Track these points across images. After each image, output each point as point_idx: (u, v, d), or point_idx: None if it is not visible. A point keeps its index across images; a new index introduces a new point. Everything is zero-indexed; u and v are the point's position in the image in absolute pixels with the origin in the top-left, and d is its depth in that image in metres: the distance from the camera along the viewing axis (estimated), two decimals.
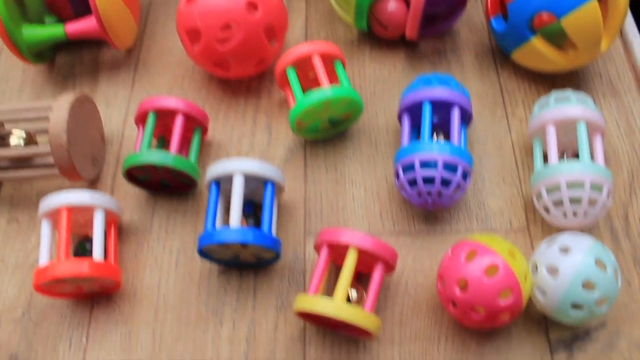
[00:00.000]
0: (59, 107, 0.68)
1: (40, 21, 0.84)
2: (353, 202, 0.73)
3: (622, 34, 0.87)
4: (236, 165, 0.64)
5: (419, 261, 0.69)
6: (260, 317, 0.66)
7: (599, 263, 0.59)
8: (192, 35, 0.75)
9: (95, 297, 0.68)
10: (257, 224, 0.67)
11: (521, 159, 0.76)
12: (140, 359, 0.65)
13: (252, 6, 0.73)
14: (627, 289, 0.67)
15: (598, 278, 0.58)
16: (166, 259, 0.70)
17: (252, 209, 0.71)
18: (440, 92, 0.69)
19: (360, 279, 0.67)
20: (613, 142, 0.77)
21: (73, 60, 0.87)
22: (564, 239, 0.62)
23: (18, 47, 0.78)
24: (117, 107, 0.82)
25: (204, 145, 0.78)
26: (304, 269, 0.69)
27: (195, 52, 0.75)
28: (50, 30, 0.80)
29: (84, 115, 0.72)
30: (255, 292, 0.67)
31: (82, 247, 0.68)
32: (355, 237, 0.59)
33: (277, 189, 0.67)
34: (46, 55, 0.86)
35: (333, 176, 0.75)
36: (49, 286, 0.63)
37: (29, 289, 0.69)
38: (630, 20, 0.88)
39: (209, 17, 0.72)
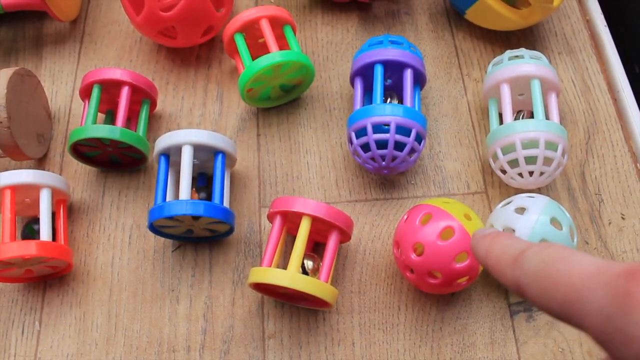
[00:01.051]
0: None
1: None
2: (308, 170, 0.71)
3: None
4: (184, 135, 0.62)
5: (376, 228, 0.68)
6: (217, 293, 0.65)
7: (555, 222, 0.59)
8: (135, 3, 0.72)
9: (46, 279, 0.66)
10: (209, 196, 0.66)
11: (478, 120, 0.75)
12: (96, 340, 0.63)
13: None
14: (585, 247, 0.67)
15: (554, 237, 0.57)
16: (119, 237, 0.68)
17: (205, 182, 0.69)
18: (391, 53, 0.67)
19: (317, 249, 0.66)
20: (569, 101, 0.76)
21: (15, 34, 0.84)
22: (520, 199, 0.61)
23: None
24: (63, 82, 0.79)
25: (153, 118, 0.75)
26: (260, 241, 0.67)
27: (140, 21, 0.72)
28: None
29: (26, 90, 0.69)
30: (211, 267, 0.66)
31: (29, 229, 0.66)
32: (308, 205, 0.58)
33: (229, 159, 0.65)
34: None
35: (287, 145, 0.73)
36: None
37: None
38: None
39: None
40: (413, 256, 0.58)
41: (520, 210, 0.60)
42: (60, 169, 0.73)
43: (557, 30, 0.82)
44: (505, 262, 0.31)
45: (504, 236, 0.34)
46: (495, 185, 0.70)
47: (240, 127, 0.74)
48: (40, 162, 0.73)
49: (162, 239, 0.67)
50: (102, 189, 0.71)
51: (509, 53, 0.70)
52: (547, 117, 0.67)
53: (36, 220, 0.66)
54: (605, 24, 0.83)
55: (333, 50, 0.80)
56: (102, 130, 0.64)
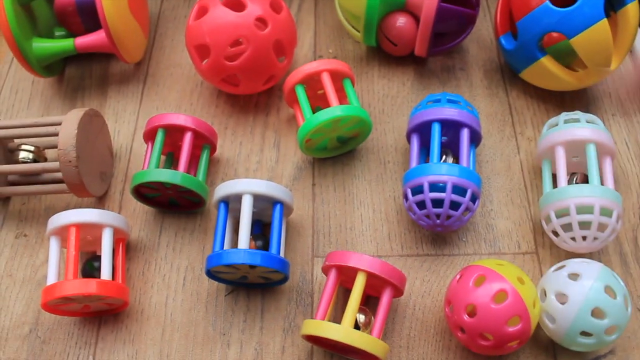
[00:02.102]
0: (68, 123, 0.68)
1: (50, 34, 0.84)
2: (361, 222, 0.72)
3: (631, 52, 0.87)
4: (245, 185, 0.64)
5: (426, 284, 0.68)
6: (267, 339, 0.66)
7: (609, 290, 0.59)
8: (200, 51, 0.75)
9: (102, 315, 0.68)
10: (266, 244, 0.67)
11: (530, 179, 0.75)
12: None
13: (262, 22, 0.73)
14: (637, 316, 0.66)
15: (607, 305, 0.57)
16: (174, 278, 0.70)
17: (261, 229, 0.71)
18: (449, 112, 0.68)
19: (368, 302, 0.67)
20: (622, 164, 0.76)
21: (82, 73, 0.87)
22: (573, 264, 0.62)
23: (28, 60, 0.78)
24: (126, 122, 0.82)
25: (211, 162, 0.77)
26: (311, 290, 0.68)
27: (204, 68, 0.75)
28: (60, 44, 0.80)
29: (93, 130, 0.72)
30: (263, 313, 0.67)
31: (90, 265, 0.68)
32: (364, 261, 0.59)
33: (286, 209, 0.67)
34: (56, 68, 0.86)
35: (341, 195, 0.74)
36: (57, 304, 0.63)
37: (37, 305, 0.69)
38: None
39: (218, 33, 0.71)
40: (465, 317, 0.58)
41: (574, 276, 0.60)
42: (119, 207, 0.75)
43: (612, 91, 0.83)
44: None
45: None
46: (546, 246, 0.71)
47: (296, 176, 0.76)
48: (101, 200, 0.76)
49: (216, 282, 0.69)
50: (159, 229, 0.73)
51: (564, 115, 0.71)
52: (602, 182, 0.68)
53: (96, 257, 0.68)
54: None
55: (389, 103, 0.81)
56: (165, 175, 0.67)
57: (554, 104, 0.81)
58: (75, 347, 0.67)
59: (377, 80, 0.84)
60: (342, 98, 0.75)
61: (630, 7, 0.72)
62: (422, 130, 0.71)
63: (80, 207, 0.73)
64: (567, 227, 0.65)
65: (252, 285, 0.68)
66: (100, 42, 0.79)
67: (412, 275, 0.69)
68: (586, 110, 0.80)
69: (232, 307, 0.68)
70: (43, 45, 0.79)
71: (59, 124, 0.70)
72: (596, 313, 0.58)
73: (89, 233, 0.67)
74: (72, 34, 0.83)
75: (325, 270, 0.62)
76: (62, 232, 0.65)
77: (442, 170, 0.65)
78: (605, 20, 0.69)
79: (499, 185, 0.75)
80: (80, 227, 0.64)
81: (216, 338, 0.66)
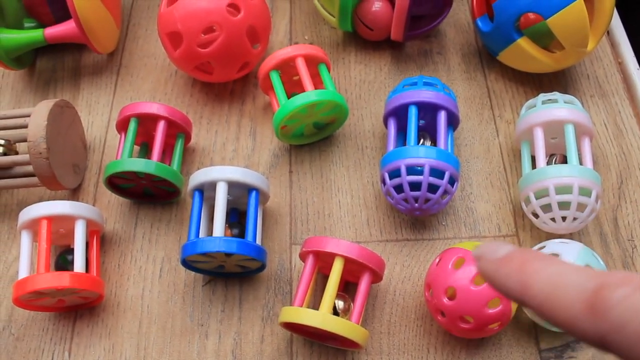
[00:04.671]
0: (37, 114, 0.66)
1: (19, 25, 0.82)
2: (340, 209, 0.72)
3: (609, 33, 0.87)
4: (219, 172, 0.62)
5: (406, 269, 0.68)
6: (246, 329, 0.65)
7: None
8: (173, 38, 0.73)
9: (77, 309, 0.67)
10: (242, 232, 0.66)
11: (509, 162, 0.75)
12: None
13: (234, 8, 0.72)
14: None
15: None
16: (150, 269, 0.69)
17: (237, 217, 0.70)
18: (426, 95, 0.68)
19: (347, 288, 0.66)
20: (601, 145, 0.76)
21: (54, 65, 0.86)
22: (553, 245, 0.61)
23: None
24: (99, 113, 0.81)
25: (186, 152, 0.76)
26: (290, 278, 0.67)
27: (177, 56, 0.73)
28: (29, 35, 0.78)
29: (64, 121, 0.71)
30: (241, 303, 0.66)
31: (63, 259, 0.66)
32: (342, 246, 0.58)
33: (262, 196, 0.66)
34: (26, 60, 0.84)
35: (319, 182, 0.73)
36: (29, 299, 0.62)
37: (9, 302, 0.67)
38: (617, 20, 0.88)
39: (190, 20, 0.70)
40: (445, 300, 0.57)
41: (554, 256, 0.59)
42: (93, 199, 0.74)
43: (590, 73, 0.82)
44: (571, 308, 0.23)
45: (543, 261, 0.26)
46: (526, 229, 0.70)
47: (273, 163, 0.75)
48: (75, 192, 0.74)
49: (193, 272, 0.68)
50: (134, 221, 0.72)
51: (542, 96, 0.70)
52: (581, 162, 0.67)
53: (69, 250, 0.67)
54: (638, 67, 0.83)
55: (366, 88, 0.81)
56: (138, 164, 0.65)
57: (532, 86, 0.81)
58: (50, 343, 0.65)
59: (353, 66, 0.83)
60: (318, 84, 0.74)
61: None
62: (399, 114, 0.70)
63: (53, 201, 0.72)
64: (547, 208, 0.65)
65: (230, 275, 0.67)
66: (71, 32, 0.77)
67: (391, 261, 0.68)
68: (564, 91, 0.80)
69: (209, 297, 0.67)
70: (11, 37, 0.77)
71: (29, 115, 0.68)
72: None
73: (61, 226, 0.66)
74: (43, 25, 0.81)
75: (303, 257, 0.61)
76: (33, 226, 0.63)
77: (420, 153, 0.64)
78: (580, 0, 0.68)
79: (478, 169, 0.74)
80: (52, 219, 0.63)
81: (194, 329, 0.65)
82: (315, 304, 0.65)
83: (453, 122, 0.70)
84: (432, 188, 0.64)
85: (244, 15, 0.71)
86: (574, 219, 0.64)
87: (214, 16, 0.70)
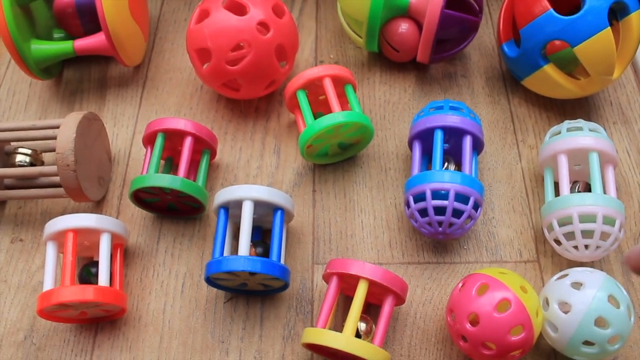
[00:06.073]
0: (66, 126, 0.67)
1: (49, 36, 0.83)
2: (362, 230, 0.72)
3: (632, 61, 0.87)
4: (246, 191, 0.63)
5: (428, 292, 0.68)
6: (267, 347, 0.65)
7: (612, 299, 0.58)
8: (202, 55, 0.74)
9: (99, 322, 0.67)
10: (266, 251, 0.66)
11: (531, 187, 0.75)
12: None
13: (264, 26, 0.72)
14: (639, 324, 0.66)
15: (611, 315, 0.57)
16: (172, 284, 0.69)
17: (260, 236, 0.70)
18: (452, 120, 0.68)
19: (369, 310, 0.66)
20: (624, 172, 0.76)
21: (81, 75, 0.87)
22: (576, 273, 0.61)
23: (26, 62, 0.77)
24: (124, 126, 0.82)
25: (211, 167, 0.77)
26: (311, 298, 0.68)
27: (205, 72, 0.74)
28: (59, 46, 0.79)
29: (92, 134, 0.71)
30: (262, 321, 0.66)
31: (87, 271, 0.67)
32: (366, 268, 0.58)
33: (287, 216, 0.66)
34: (54, 70, 0.85)
35: (342, 202, 0.74)
36: (53, 311, 0.63)
37: (32, 312, 0.68)
38: None
39: (219, 37, 0.71)
40: (468, 326, 0.57)
41: (577, 285, 0.59)
42: (117, 212, 0.74)
43: (613, 99, 0.82)
44: None
45: None
46: (547, 255, 0.70)
47: (297, 182, 0.75)
48: (99, 204, 0.75)
49: (215, 289, 0.68)
50: (157, 235, 0.72)
51: (567, 124, 0.70)
52: (604, 191, 0.67)
53: (93, 262, 0.68)
54: None
55: (390, 109, 0.81)
56: (164, 180, 0.66)
57: (555, 112, 0.81)
58: (71, 355, 0.66)
59: (378, 87, 0.83)
60: (344, 104, 0.74)
61: (634, 16, 0.71)
62: (424, 137, 0.71)
63: (77, 212, 0.72)
64: (570, 236, 0.65)
65: (252, 293, 0.67)
66: (100, 45, 0.78)
67: (413, 283, 0.68)
68: (587, 118, 0.80)
69: (231, 314, 0.67)
70: (42, 48, 0.78)
71: (57, 127, 0.69)
72: (599, 322, 0.57)
73: (86, 238, 0.66)
74: (71, 35, 0.82)
75: (326, 278, 0.62)
76: (59, 237, 0.64)
77: (445, 178, 0.64)
78: (609, 28, 0.69)
79: (500, 193, 0.74)
80: (78, 232, 0.64)
81: (215, 346, 0.65)
82: (337, 325, 0.65)
83: (478, 146, 0.70)
84: (457, 213, 0.64)
85: (273, 34, 0.72)
86: (597, 247, 0.64)
87: (244, 34, 0.71)
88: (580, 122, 0.70)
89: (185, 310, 0.67)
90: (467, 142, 0.68)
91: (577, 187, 0.70)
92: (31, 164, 0.73)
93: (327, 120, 0.67)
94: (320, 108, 0.76)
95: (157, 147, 0.70)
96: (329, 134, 0.69)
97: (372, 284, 0.58)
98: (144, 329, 0.67)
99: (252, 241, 0.68)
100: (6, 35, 0.74)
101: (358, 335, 0.61)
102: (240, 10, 0.72)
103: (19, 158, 0.72)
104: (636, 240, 0.71)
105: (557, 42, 0.75)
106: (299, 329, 0.66)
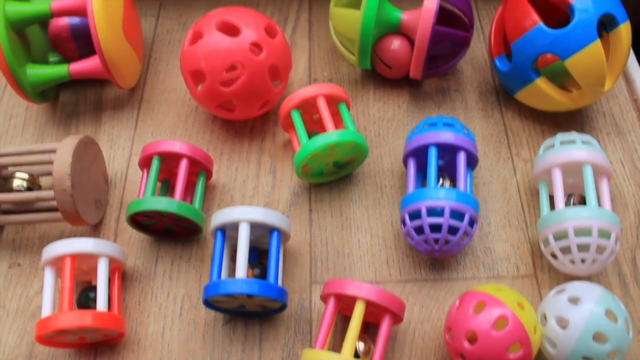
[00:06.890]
0: (63, 150, 0.67)
1: (44, 59, 0.84)
2: (359, 248, 0.72)
3: (624, 72, 0.87)
4: (242, 213, 0.63)
5: (426, 310, 0.68)
6: None
7: (609, 314, 0.58)
8: (196, 76, 0.74)
9: (98, 346, 0.67)
10: (263, 271, 0.66)
11: (527, 201, 0.75)
12: None
13: (257, 47, 0.73)
14: (638, 339, 0.66)
15: (609, 330, 0.57)
16: (170, 307, 0.69)
17: (258, 257, 0.70)
18: (446, 136, 0.68)
19: (367, 329, 0.66)
20: (618, 183, 0.76)
21: (77, 98, 0.87)
22: (573, 288, 0.61)
23: (22, 87, 0.78)
24: (121, 148, 0.82)
25: (207, 188, 0.77)
26: (309, 318, 0.68)
27: (199, 93, 0.75)
28: (54, 70, 0.79)
29: (88, 158, 0.72)
30: (261, 342, 0.66)
31: (85, 296, 0.67)
32: (363, 289, 0.58)
33: (283, 236, 0.66)
34: (50, 94, 0.85)
35: (338, 221, 0.74)
36: (51, 337, 0.63)
37: (31, 337, 0.68)
38: (632, 57, 0.88)
39: (213, 59, 0.71)
40: (466, 344, 0.58)
41: (574, 300, 0.60)
42: (115, 235, 0.75)
43: (606, 110, 0.83)
44: None
45: None
46: (544, 269, 0.70)
47: (293, 202, 0.76)
48: (96, 228, 0.75)
49: (213, 311, 0.68)
50: (155, 258, 0.72)
51: (560, 137, 0.71)
52: (599, 203, 0.68)
53: (91, 287, 0.68)
54: None
55: (385, 126, 0.81)
56: (161, 204, 0.66)
57: (549, 125, 0.81)
58: None
59: (372, 104, 0.84)
60: (338, 122, 0.75)
61: (623, 28, 0.72)
62: (418, 154, 0.71)
63: (74, 236, 0.73)
64: (566, 250, 0.65)
65: (250, 314, 0.67)
66: (95, 68, 0.79)
67: (411, 301, 0.68)
68: (581, 129, 0.80)
69: (230, 336, 0.67)
70: (37, 72, 0.78)
71: (54, 151, 0.69)
72: (598, 337, 0.57)
73: (84, 263, 0.66)
74: (67, 59, 0.83)
75: (324, 299, 0.62)
76: (57, 263, 0.64)
77: (440, 195, 0.64)
78: (598, 41, 0.69)
79: (496, 208, 0.75)
80: (76, 257, 0.64)
81: None
82: (335, 345, 0.65)
83: (472, 162, 0.71)
84: (452, 230, 0.65)
85: (266, 54, 0.72)
86: (594, 261, 0.64)
87: (237, 55, 0.71)
88: (573, 135, 0.71)
89: (184, 333, 0.68)
90: (462, 158, 0.68)
91: (572, 200, 0.71)
92: (28, 189, 0.73)
93: (321, 140, 0.68)
94: (315, 127, 0.77)
95: (153, 170, 0.70)
96: (323, 154, 0.69)
97: (369, 304, 0.59)
98: (143, 353, 0.67)
99: (249, 262, 0.68)
100: (2, 61, 0.74)
101: (357, 355, 0.61)
102: (233, 31, 0.72)
103: (17, 183, 0.72)
104: (633, 252, 0.71)
105: (548, 55, 0.76)
106: (297, 350, 0.66)
